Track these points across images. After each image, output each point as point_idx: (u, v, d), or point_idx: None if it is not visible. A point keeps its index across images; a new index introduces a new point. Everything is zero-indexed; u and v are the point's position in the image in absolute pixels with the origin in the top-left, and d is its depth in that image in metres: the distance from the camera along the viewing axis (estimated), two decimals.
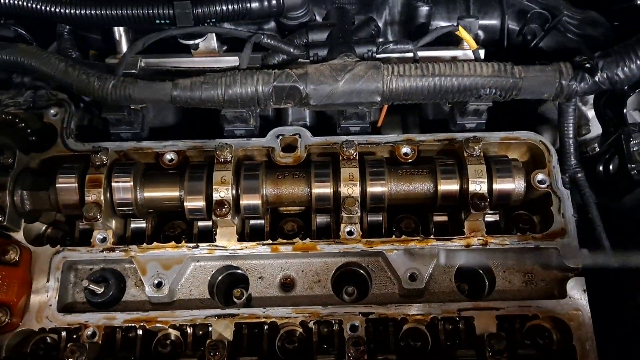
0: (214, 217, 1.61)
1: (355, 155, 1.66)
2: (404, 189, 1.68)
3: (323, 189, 1.66)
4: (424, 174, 1.68)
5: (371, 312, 1.59)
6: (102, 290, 1.61)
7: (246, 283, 1.68)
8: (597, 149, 1.90)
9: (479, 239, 1.65)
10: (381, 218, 1.76)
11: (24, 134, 1.80)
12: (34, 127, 1.81)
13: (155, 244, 1.65)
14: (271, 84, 1.56)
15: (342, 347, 1.54)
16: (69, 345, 1.47)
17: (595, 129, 1.92)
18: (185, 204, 1.64)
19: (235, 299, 1.66)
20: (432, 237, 1.66)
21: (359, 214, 1.62)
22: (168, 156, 1.74)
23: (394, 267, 1.63)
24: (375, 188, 1.65)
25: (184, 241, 1.65)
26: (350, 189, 1.63)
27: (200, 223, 1.75)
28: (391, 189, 1.67)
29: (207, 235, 1.71)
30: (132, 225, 1.76)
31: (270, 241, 1.66)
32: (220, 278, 1.71)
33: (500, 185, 1.65)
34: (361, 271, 1.72)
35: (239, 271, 1.70)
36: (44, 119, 1.79)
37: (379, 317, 1.59)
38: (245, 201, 1.65)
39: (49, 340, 1.63)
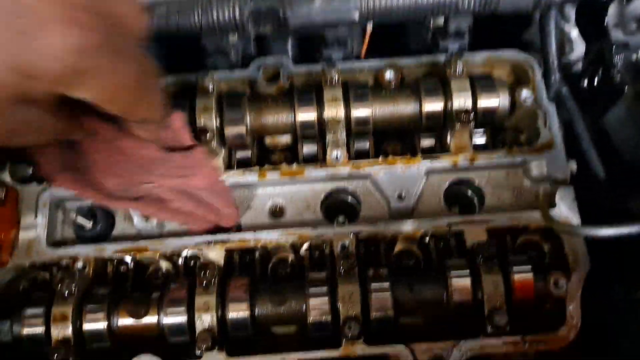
0: None
1: (338, 78, 1.65)
2: (389, 111, 1.67)
3: (307, 114, 1.65)
4: (408, 94, 1.67)
5: (361, 230, 1.58)
6: (91, 224, 1.61)
7: None
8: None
9: (466, 156, 1.65)
10: (367, 144, 1.76)
11: None
12: None
13: None
14: (248, 5, 1.55)
15: (334, 267, 1.54)
16: (58, 274, 1.47)
17: (579, 48, 1.91)
18: None
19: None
20: (418, 156, 1.66)
21: (344, 137, 1.62)
22: None
23: (382, 188, 1.63)
24: (360, 111, 1.65)
25: None
26: (334, 111, 1.62)
27: None
28: (376, 111, 1.66)
29: None
30: None
31: (257, 167, 1.65)
32: None
33: (484, 101, 1.65)
34: (350, 199, 1.72)
35: None
36: None
37: (369, 235, 1.59)
38: (229, 131, 1.64)
39: (40, 278, 1.62)
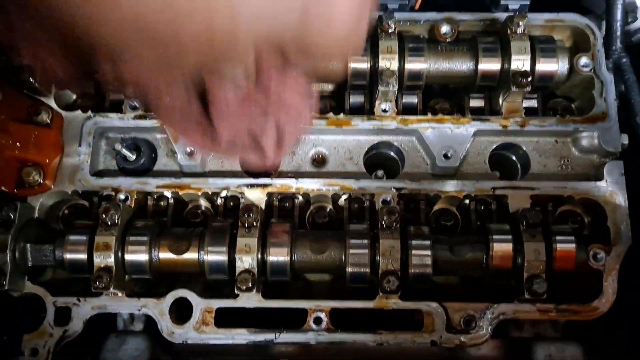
0: None
1: (395, 28, 1.60)
2: (443, 67, 1.62)
3: (359, 63, 1.61)
4: (464, 51, 1.62)
5: (404, 187, 1.57)
6: (135, 157, 1.60)
7: None
8: None
9: (517, 120, 1.62)
10: (416, 100, 1.72)
11: None
12: None
13: None
14: None
15: (374, 220, 1.54)
16: (102, 203, 1.47)
17: None
18: None
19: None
20: (468, 116, 1.63)
21: (395, 89, 1.58)
22: None
23: (428, 145, 1.61)
24: (414, 64, 1.60)
25: None
26: (388, 62, 1.58)
27: None
28: (430, 66, 1.62)
29: None
30: None
31: None
32: None
33: (543, 65, 1.59)
34: (392, 154, 1.70)
35: None
36: None
37: (411, 192, 1.58)
38: None
39: (79, 206, 1.63)
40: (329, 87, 1.76)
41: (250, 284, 1.40)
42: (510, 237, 1.45)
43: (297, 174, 1.63)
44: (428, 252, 1.44)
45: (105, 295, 1.46)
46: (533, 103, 1.73)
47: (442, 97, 1.76)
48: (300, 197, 1.61)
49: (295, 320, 1.48)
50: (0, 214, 1.46)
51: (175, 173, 1.63)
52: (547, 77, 1.61)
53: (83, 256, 1.44)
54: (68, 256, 1.44)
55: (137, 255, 1.44)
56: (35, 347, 1.44)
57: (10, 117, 1.51)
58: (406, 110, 1.71)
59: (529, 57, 1.56)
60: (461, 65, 1.62)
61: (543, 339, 1.54)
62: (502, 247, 1.44)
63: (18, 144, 1.50)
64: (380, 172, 1.64)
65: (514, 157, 1.70)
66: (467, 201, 1.61)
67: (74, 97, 1.73)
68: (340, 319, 1.48)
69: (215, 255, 1.44)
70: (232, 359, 1.58)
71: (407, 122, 1.62)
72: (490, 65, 1.60)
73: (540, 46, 1.59)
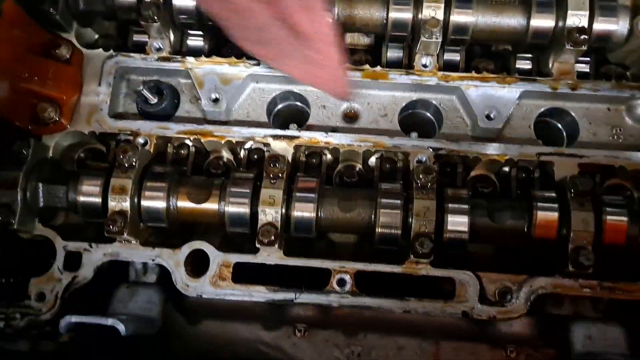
0: None
1: None
2: (492, 22, 1.50)
3: (401, 12, 1.49)
4: (516, 5, 1.49)
5: (441, 147, 1.46)
6: (156, 100, 1.51)
7: (306, 120, 1.56)
8: None
9: (568, 82, 1.49)
10: (458, 57, 1.60)
11: None
12: None
13: (213, 57, 1.52)
14: None
15: (407, 182, 1.43)
16: (121, 144, 1.39)
17: None
18: None
19: None
20: (515, 75, 1.51)
21: (439, 40, 1.46)
22: None
23: (470, 105, 1.49)
24: (461, 16, 1.48)
25: (244, 58, 1.53)
26: (433, 10, 1.46)
27: None
28: (478, 19, 1.49)
29: None
30: (189, 42, 1.63)
31: None
32: (279, 106, 1.59)
33: (601, 23, 1.47)
34: (429, 115, 1.59)
35: (299, 104, 1.58)
36: None
37: (450, 153, 1.47)
38: None
39: (96, 150, 1.55)
40: (364, 40, 1.65)
41: (272, 237, 1.31)
42: (556, 205, 1.34)
43: (327, 128, 1.53)
44: (466, 216, 1.33)
45: (118, 242, 1.38)
46: (585, 68, 1.60)
47: (484, 56, 1.64)
48: (329, 155, 1.51)
49: (315, 281, 1.38)
50: (12, 150, 1.38)
51: (198, 120, 1.54)
52: (605, 36, 1.48)
53: (97, 199, 1.35)
54: (81, 198, 1.36)
55: (154, 202, 1.36)
56: (42, 292, 1.36)
57: (28, 48, 1.42)
58: (447, 68, 1.59)
59: (587, 13, 1.43)
60: (511, 19, 1.49)
61: (583, 318, 1.43)
62: (547, 215, 1.33)
63: (34, 77, 1.41)
64: (414, 135, 1.53)
65: (560, 125, 1.58)
66: (507, 168, 1.50)
67: (96, 36, 1.64)
68: (364, 283, 1.38)
69: (237, 207, 1.34)
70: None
71: (449, 79, 1.50)
72: (543, 20, 1.47)
73: (600, 3, 1.46)
